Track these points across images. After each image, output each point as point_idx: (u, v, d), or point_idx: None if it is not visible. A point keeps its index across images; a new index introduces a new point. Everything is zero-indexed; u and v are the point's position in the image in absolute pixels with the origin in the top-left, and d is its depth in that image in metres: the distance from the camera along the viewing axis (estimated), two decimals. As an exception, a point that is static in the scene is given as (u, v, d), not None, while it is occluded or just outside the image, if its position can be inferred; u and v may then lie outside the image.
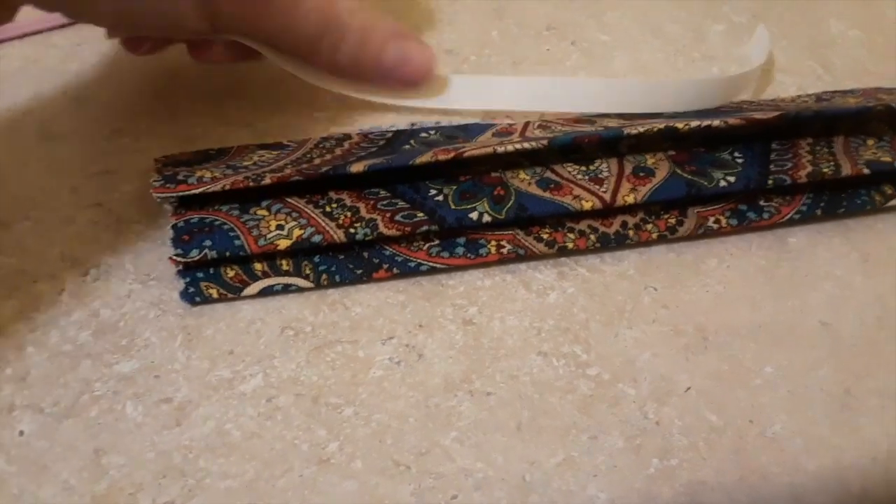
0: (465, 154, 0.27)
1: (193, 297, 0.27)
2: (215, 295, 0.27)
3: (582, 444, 0.24)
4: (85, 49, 0.38)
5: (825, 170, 0.30)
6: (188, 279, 0.27)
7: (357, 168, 0.27)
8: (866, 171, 0.30)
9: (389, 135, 0.31)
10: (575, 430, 0.25)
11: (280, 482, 0.23)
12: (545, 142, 0.28)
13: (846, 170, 0.30)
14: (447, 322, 0.27)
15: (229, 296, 0.27)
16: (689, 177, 0.29)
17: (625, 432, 0.25)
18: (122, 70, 0.37)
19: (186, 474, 0.23)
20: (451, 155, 0.27)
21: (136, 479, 0.23)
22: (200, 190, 0.27)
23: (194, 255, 0.26)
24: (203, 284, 0.27)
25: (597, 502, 0.23)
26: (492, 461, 0.24)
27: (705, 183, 0.29)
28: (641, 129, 0.28)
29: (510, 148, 0.28)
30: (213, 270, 0.27)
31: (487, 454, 0.24)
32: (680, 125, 0.28)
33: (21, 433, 0.24)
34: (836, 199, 0.31)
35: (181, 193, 0.27)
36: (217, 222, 0.27)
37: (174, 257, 0.26)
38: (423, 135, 0.31)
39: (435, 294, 0.28)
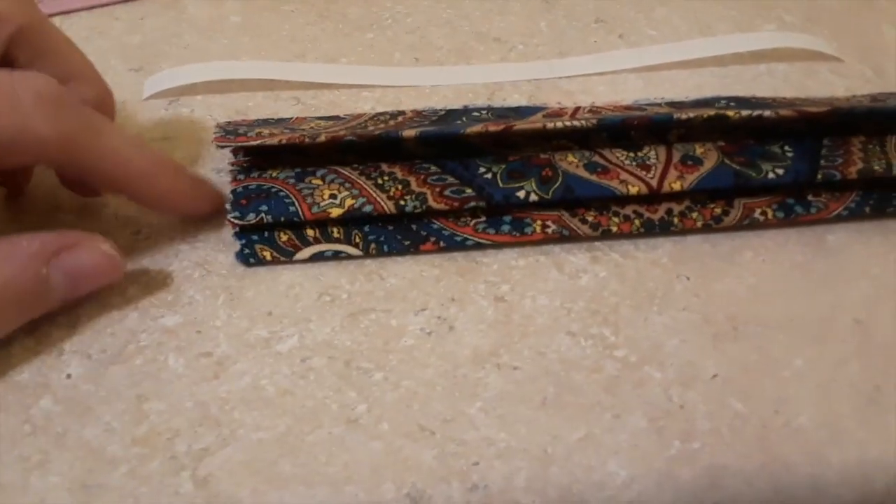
0: (516, 127, 0.28)
1: (248, 258, 0.28)
2: (269, 257, 0.28)
3: (605, 422, 0.25)
4: (147, 23, 0.39)
5: (876, 167, 0.30)
6: (244, 241, 0.28)
7: (409, 133, 0.28)
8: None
9: (442, 112, 0.32)
10: (599, 408, 0.25)
11: (310, 437, 0.24)
12: (595, 121, 0.28)
13: (898, 169, 0.30)
14: (479, 297, 0.28)
15: (282, 259, 0.28)
16: (738, 167, 0.29)
17: (648, 413, 0.25)
18: (180, 44, 0.38)
19: (222, 424, 0.24)
20: (502, 127, 0.28)
21: (174, 424, 0.24)
22: (258, 142, 0.28)
23: (251, 218, 0.27)
24: (258, 247, 0.28)
25: (616, 479, 0.24)
26: (515, 432, 0.24)
27: (753, 174, 0.29)
28: (692, 115, 0.29)
29: (560, 125, 0.28)
30: (267, 234, 0.28)
31: (511, 425, 0.25)
32: (731, 113, 0.29)
33: (69, 376, 0.25)
34: (885, 198, 0.31)
35: (240, 144, 0.28)
36: (273, 189, 0.28)
37: (232, 219, 0.28)
38: (476, 114, 0.32)
39: (469, 270, 0.29)
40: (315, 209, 0.28)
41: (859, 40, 0.40)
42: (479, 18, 0.41)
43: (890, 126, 0.31)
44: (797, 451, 0.24)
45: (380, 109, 0.34)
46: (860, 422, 0.25)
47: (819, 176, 0.29)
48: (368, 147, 0.29)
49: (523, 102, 0.35)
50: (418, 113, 0.33)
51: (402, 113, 0.33)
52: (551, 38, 0.39)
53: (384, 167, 0.29)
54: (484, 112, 0.33)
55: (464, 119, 0.32)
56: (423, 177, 0.29)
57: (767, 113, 0.29)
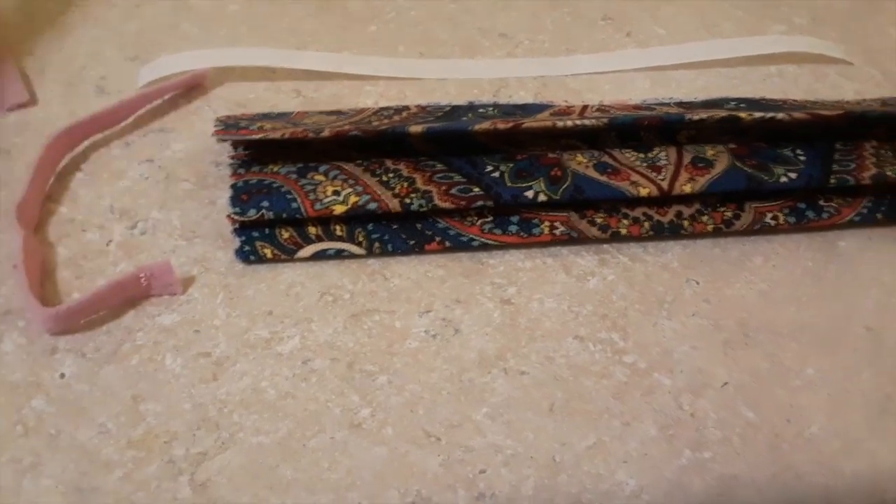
0: (525, 125, 0.27)
1: (248, 255, 0.27)
2: (269, 255, 0.27)
3: (614, 430, 0.24)
4: (143, 10, 0.38)
5: (889, 172, 0.29)
6: (244, 238, 0.27)
7: (416, 129, 0.27)
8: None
9: (448, 108, 0.31)
10: (608, 415, 0.25)
11: (311, 442, 0.23)
12: (605, 120, 0.28)
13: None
14: (485, 300, 0.27)
15: (283, 257, 0.27)
16: (750, 171, 0.28)
17: (658, 421, 0.24)
18: (178, 33, 0.37)
19: (221, 427, 0.23)
20: (511, 125, 0.27)
21: (171, 427, 0.23)
22: (260, 136, 0.27)
23: (252, 214, 0.27)
24: (258, 244, 0.27)
25: (626, 488, 0.23)
26: (522, 439, 0.24)
27: (766, 177, 0.28)
28: (704, 116, 0.28)
29: (570, 123, 0.28)
30: (268, 231, 0.27)
31: (518, 432, 0.24)
32: (743, 115, 0.28)
33: (62, 375, 0.24)
34: None
35: (242, 137, 0.27)
36: (275, 184, 0.27)
37: (232, 215, 0.27)
38: (482, 110, 0.31)
39: (475, 272, 0.28)
40: (318, 206, 0.27)
41: (867, 43, 0.39)
42: (482, 13, 0.40)
43: None
44: (809, 460, 0.24)
45: (383, 104, 0.33)
46: (872, 431, 0.25)
47: (832, 181, 0.29)
48: (372, 143, 0.28)
49: (529, 99, 0.35)
50: (423, 108, 0.32)
51: (406, 108, 0.32)
52: (557, 35, 0.39)
53: (389, 164, 0.28)
54: (490, 109, 0.32)
55: (470, 115, 0.31)
56: (429, 174, 0.28)
57: (780, 115, 0.29)
